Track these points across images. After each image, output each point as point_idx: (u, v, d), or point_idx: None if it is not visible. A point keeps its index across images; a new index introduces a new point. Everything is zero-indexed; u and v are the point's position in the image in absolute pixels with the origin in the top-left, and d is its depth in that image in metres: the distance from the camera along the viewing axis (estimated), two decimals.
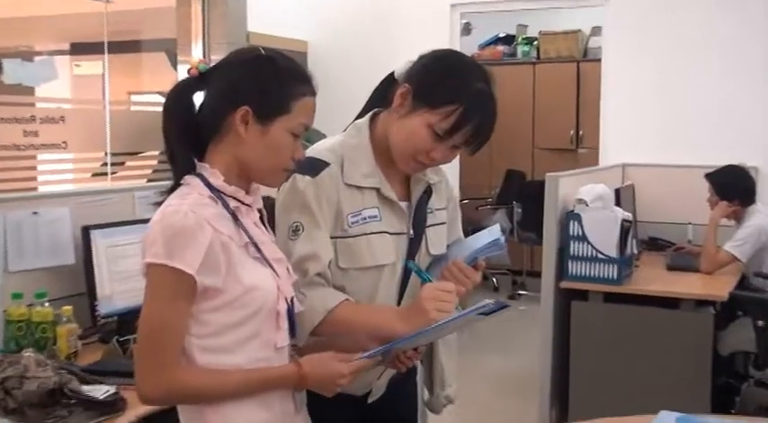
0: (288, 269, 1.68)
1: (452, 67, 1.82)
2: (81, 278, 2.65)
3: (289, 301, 1.63)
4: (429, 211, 1.95)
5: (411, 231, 1.90)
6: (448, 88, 1.77)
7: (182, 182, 1.58)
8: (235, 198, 1.59)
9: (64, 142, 3.80)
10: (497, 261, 2.14)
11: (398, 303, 1.90)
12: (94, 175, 4.41)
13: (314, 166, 1.80)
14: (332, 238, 1.81)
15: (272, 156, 1.58)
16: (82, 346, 2.51)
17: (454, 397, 2.12)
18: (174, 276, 1.46)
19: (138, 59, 6.71)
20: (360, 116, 1.97)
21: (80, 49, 7.22)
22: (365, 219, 1.83)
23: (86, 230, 2.66)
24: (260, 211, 1.68)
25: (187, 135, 1.59)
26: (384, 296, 1.87)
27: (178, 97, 1.60)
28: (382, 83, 1.97)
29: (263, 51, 1.61)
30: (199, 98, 1.62)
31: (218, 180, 1.57)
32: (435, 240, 1.96)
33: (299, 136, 1.60)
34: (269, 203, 1.78)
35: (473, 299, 1.96)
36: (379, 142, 1.88)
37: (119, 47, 5.56)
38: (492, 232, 1.93)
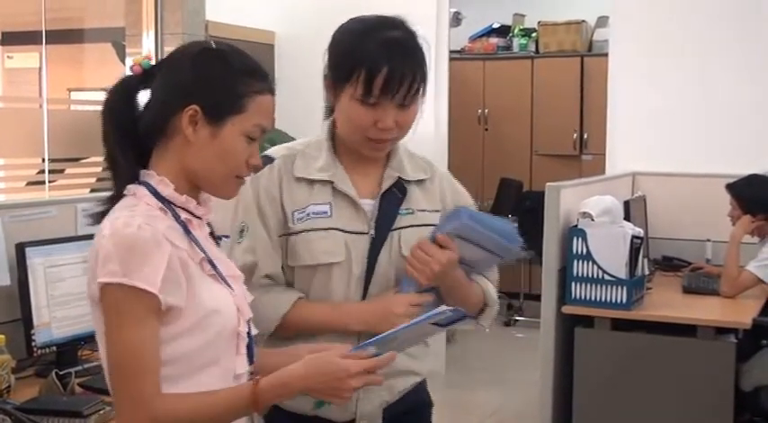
0: (244, 287, 1.73)
1: (347, 35, 1.97)
2: (15, 302, 2.64)
3: (248, 322, 1.68)
4: (408, 211, 2.03)
5: (372, 230, 1.99)
6: (346, 58, 1.92)
7: (125, 192, 1.61)
8: (186, 209, 1.62)
9: None
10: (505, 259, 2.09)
11: None
12: (30, 184, 4.41)
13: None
14: (280, 236, 1.98)
15: (224, 161, 1.62)
16: (16, 381, 2.49)
17: None
18: (136, 297, 1.48)
19: (81, 51, 6.68)
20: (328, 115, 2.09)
21: (13, 38, 7.18)
22: (309, 215, 1.97)
23: (21, 248, 2.65)
24: (209, 225, 1.72)
25: (130, 139, 1.63)
26: (340, 299, 1.99)
27: (119, 97, 1.65)
28: None
29: (212, 44, 1.66)
30: (144, 97, 1.66)
31: (167, 189, 1.61)
32: (412, 243, 2.00)
33: (255, 140, 1.64)
34: None
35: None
36: (342, 140, 2.02)
37: (58, 36, 5.54)
38: None
